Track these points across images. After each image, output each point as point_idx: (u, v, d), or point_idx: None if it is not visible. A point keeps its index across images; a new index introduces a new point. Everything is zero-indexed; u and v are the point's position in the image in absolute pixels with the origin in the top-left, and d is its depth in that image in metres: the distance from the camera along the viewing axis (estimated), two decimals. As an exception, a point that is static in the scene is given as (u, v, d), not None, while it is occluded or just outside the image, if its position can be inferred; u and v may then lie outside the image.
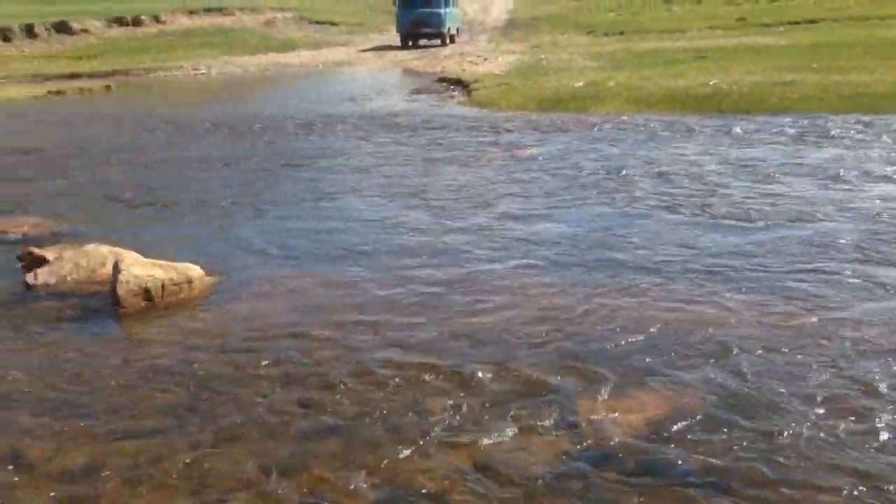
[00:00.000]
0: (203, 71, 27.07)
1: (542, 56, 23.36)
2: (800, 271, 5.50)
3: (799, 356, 4.20)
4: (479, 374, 4.16)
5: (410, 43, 31.02)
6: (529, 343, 4.52)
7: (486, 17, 36.97)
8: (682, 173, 8.55)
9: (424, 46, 30.63)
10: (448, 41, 30.94)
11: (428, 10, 30.64)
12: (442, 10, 30.94)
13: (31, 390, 4.21)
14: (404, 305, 5.19)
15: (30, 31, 36.08)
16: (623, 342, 4.48)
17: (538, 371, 4.18)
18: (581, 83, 15.89)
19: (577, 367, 4.19)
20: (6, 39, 35.80)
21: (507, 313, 4.97)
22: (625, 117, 12.50)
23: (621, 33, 30.01)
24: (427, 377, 4.15)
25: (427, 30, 31.03)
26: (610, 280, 5.47)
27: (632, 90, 14.59)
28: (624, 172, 8.72)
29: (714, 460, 3.30)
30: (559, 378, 4.09)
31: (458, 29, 33.44)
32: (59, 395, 4.15)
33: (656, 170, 8.78)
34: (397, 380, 4.15)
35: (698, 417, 3.65)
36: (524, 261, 5.95)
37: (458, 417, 3.76)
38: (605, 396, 3.89)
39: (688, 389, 3.92)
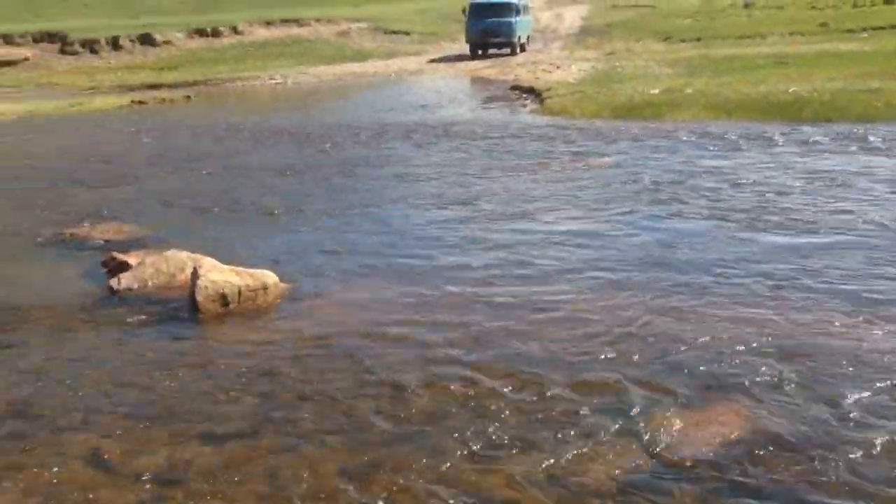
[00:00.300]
0: (279, 80, 27.59)
1: (617, 63, 23.10)
2: (870, 281, 5.31)
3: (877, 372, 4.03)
4: (549, 387, 4.11)
5: (480, 52, 30.36)
6: (598, 357, 4.45)
7: (559, 25, 36.75)
8: (760, 184, 8.30)
9: (496, 55, 30.25)
10: (518, 50, 30.10)
11: (498, 19, 29.69)
12: (512, 19, 29.93)
13: (112, 392, 4.32)
14: (474, 315, 5.17)
15: (115, 44, 37.37)
16: (695, 356, 4.36)
17: (608, 384, 4.11)
18: (657, 90, 15.65)
19: (647, 381, 4.11)
20: (94, 51, 37.17)
21: (576, 326, 4.90)
22: (702, 125, 12.24)
23: (698, 39, 29.47)
24: (497, 388, 4.13)
25: (497, 39, 30.06)
26: (679, 293, 5.34)
27: (709, 97, 14.30)
28: (699, 182, 8.53)
29: (792, 482, 3.19)
30: (630, 392, 4.01)
31: (528, 37, 32.41)
32: (139, 397, 4.25)
33: (732, 180, 8.54)
34: (468, 389, 4.13)
35: (774, 436, 3.53)
36: (593, 272, 5.86)
37: (527, 429, 3.72)
38: (678, 411, 3.80)
39: (762, 406, 3.80)
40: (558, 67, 23.61)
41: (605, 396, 3.99)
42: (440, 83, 23.79)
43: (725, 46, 25.96)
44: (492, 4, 30.07)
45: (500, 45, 29.98)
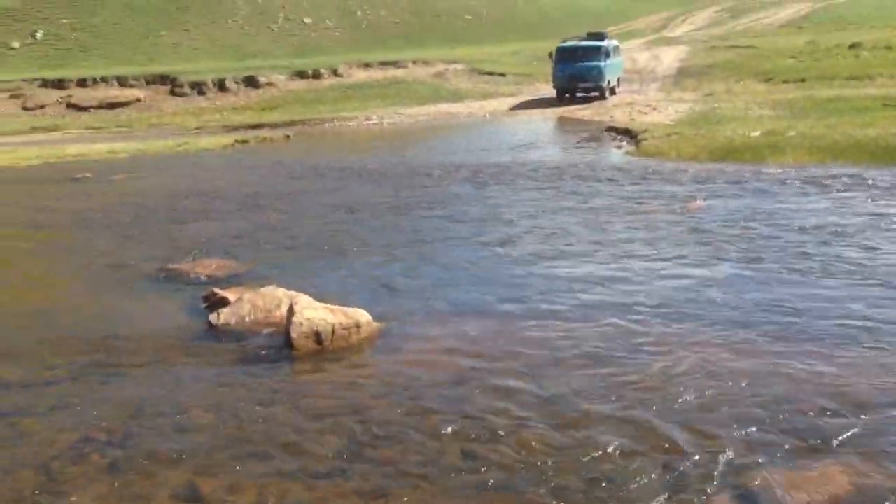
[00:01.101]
0: (374, 121, 28.15)
1: (716, 104, 22.66)
2: None
3: None
4: (646, 434, 3.97)
5: (568, 97, 28.95)
6: (696, 405, 4.28)
7: (656, 66, 36.34)
8: (865, 233, 7.89)
9: (587, 98, 29.52)
10: (608, 94, 28.70)
11: (587, 63, 28.23)
12: (602, 63, 28.39)
13: (208, 426, 4.39)
14: (568, 358, 5.07)
15: (222, 85, 38.92)
16: (795, 409, 4.16)
17: (707, 434, 3.95)
18: (758, 132, 15.25)
19: (749, 433, 3.93)
20: (201, 93, 38.79)
21: (671, 371, 4.74)
22: (806, 169, 11.81)
23: (802, 80, 28.66)
24: (591, 434, 4.01)
25: (585, 84, 28.56)
26: (778, 344, 5.12)
27: (814, 139, 13.82)
28: (801, 229, 8.16)
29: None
30: (730, 443, 3.84)
31: (619, 79, 31.16)
32: (234, 432, 4.30)
33: (836, 228, 8.13)
34: (560, 435, 4.03)
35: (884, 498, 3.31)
36: (688, 319, 5.68)
37: (623, 479, 3.59)
38: (782, 467, 3.61)
39: (872, 465, 3.57)
40: (655, 109, 23.33)
41: (705, 449, 3.82)
42: (534, 124, 23.82)
43: (831, 88, 25.16)
44: (579, 48, 29.04)
45: (588, 91, 28.72)
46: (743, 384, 4.53)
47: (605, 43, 29.18)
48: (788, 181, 10.89)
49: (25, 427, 4.51)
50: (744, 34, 45.78)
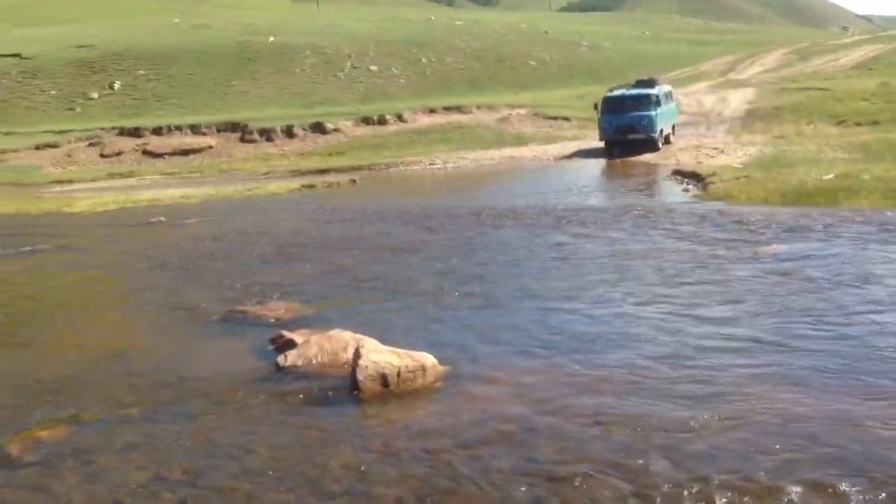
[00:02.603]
0: (438, 165, 28.41)
1: (786, 147, 22.25)
2: None
3: None
4: (716, 487, 3.85)
5: (616, 153, 25.62)
6: (773, 456, 4.15)
7: (724, 108, 35.94)
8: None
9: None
10: (661, 145, 25.89)
11: (637, 113, 25.59)
12: (653, 112, 25.64)
13: (276, 467, 4.43)
14: (632, 404, 4.97)
15: (289, 132, 39.85)
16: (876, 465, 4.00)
17: (784, 487, 3.82)
18: (830, 175, 14.90)
19: (829, 485, 3.79)
20: (269, 139, 39.77)
21: (750, 423, 4.60)
22: (881, 214, 11.46)
23: (875, 122, 28.00)
24: (661, 485, 3.91)
25: (635, 136, 25.52)
26: (858, 398, 4.94)
27: (890, 183, 13.43)
28: (877, 278, 7.90)
29: None
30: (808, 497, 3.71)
31: (674, 126, 28.45)
32: (301, 473, 4.33)
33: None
34: (628, 484, 3.94)
35: None
36: (766, 369, 5.53)
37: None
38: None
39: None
40: (723, 152, 23.02)
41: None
42: (599, 167, 23.73)
43: (905, 129, 24.52)
44: (627, 97, 26.48)
45: (639, 143, 25.59)
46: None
47: (655, 91, 26.78)
48: (863, 226, 10.58)
49: (101, 464, 4.61)
50: (813, 76, 45.05)
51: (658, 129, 25.82)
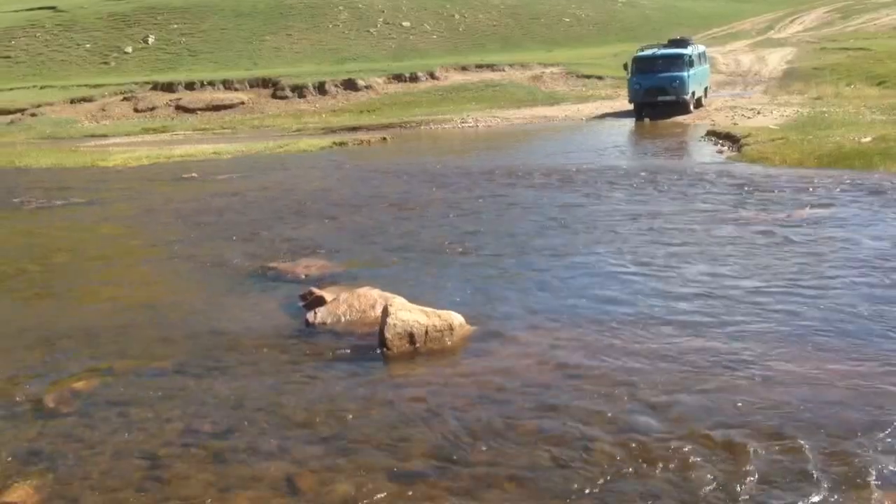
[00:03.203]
0: (470, 123, 28.26)
1: (824, 109, 21.82)
2: None
3: None
4: (749, 449, 3.86)
5: (645, 116, 24.78)
6: (798, 418, 4.14)
7: (761, 68, 35.23)
8: None
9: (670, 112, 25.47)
10: (692, 108, 24.99)
11: (668, 74, 24.64)
12: (685, 73, 24.66)
13: (305, 422, 4.51)
14: (662, 368, 4.97)
15: (321, 88, 39.80)
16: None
17: (813, 450, 3.81)
18: (868, 138, 14.59)
19: (856, 454, 3.78)
20: (301, 96, 39.75)
21: (770, 388, 4.59)
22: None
23: (917, 83, 27.37)
24: (690, 448, 3.93)
25: (666, 98, 24.64)
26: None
27: (930, 146, 13.15)
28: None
29: None
30: (837, 461, 3.70)
31: (706, 89, 27.68)
32: (329, 429, 4.41)
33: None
34: (656, 446, 3.96)
35: None
36: (787, 337, 5.48)
37: (721, 494, 3.50)
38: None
39: None
40: (759, 113, 22.64)
41: (807, 466, 3.70)
42: (632, 128, 23.45)
43: (949, 91, 23.89)
44: (659, 57, 25.45)
45: (670, 105, 24.76)
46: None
47: (687, 50, 25.64)
48: (901, 189, 10.40)
49: (134, 416, 4.73)
50: (854, 36, 43.93)
51: (690, 91, 24.86)
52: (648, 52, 26.26)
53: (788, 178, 11.84)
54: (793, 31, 51.07)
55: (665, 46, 26.55)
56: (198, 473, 3.98)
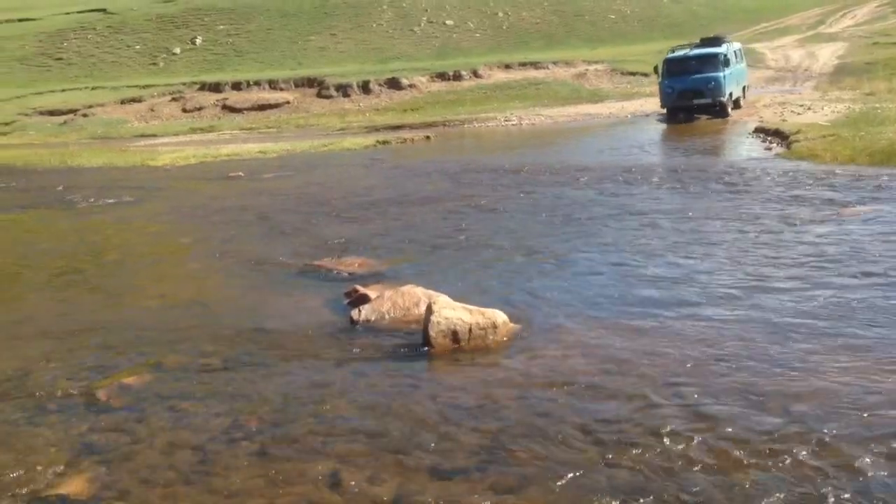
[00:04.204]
0: (514, 121, 28.22)
1: (877, 104, 21.33)
2: None
3: None
4: (790, 452, 3.79)
5: (682, 117, 23.44)
6: (845, 424, 4.06)
7: (812, 64, 34.60)
8: None
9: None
10: (730, 110, 23.47)
11: (702, 75, 22.98)
12: (721, 73, 22.98)
13: (350, 418, 4.54)
14: (708, 369, 4.90)
15: (366, 87, 40.09)
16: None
17: (852, 455, 3.74)
18: (923, 134, 14.23)
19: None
20: (346, 95, 40.08)
21: (816, 394, 4.49)
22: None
23: (974, 78, 26.65)
24: (735, 451, 3.87)
25: (702, 101, 23.02)
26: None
27: None
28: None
29: None
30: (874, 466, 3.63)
31: (745, 88, 26.01)
32: (374, 426, 4.43)
33: None
34: (700, 446, 3.92)
35: None
36: (836, 339, 5.36)
37: (762, 497, 3.45)
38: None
39: None
40: (809, 108, 22.22)
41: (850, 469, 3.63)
42: (678, 124, 23.15)
43: None
44: (692, 58, 23.80)
45: (706, 108, 23.29)
46: None
47: (722, 49, 23.93)
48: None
49: (183, 410, 4.81)
50: (909, 29, 42.88)
51: (727, 92, 23.24)
52: (680, 52, 24.74)
53: (838, 176, 11.59)
54: (844, 26, 50.04)
55: (697, 46, 24.95)
56: (245, 468, 4.04)
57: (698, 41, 25.54)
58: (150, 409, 4.87)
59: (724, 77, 23.12)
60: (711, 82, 22.98)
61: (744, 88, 25.94)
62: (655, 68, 24.94)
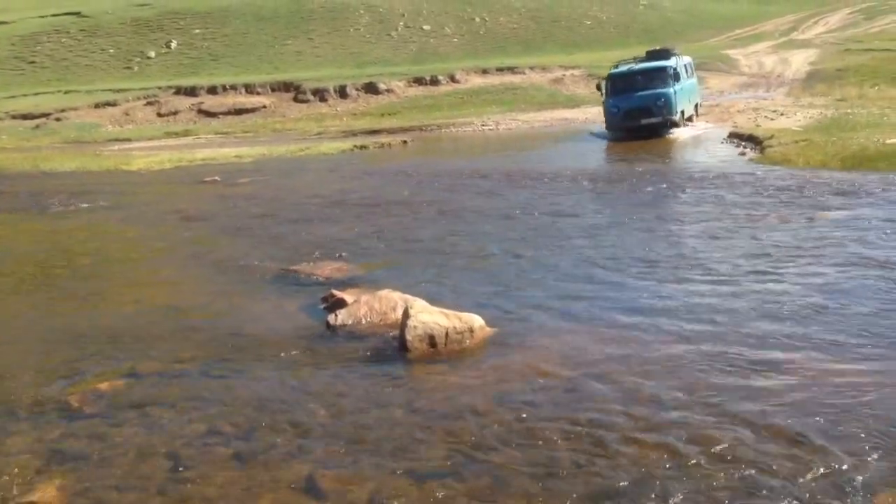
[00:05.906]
0: (491, 126, 28.29)
1: (849, 110, 21.61)
2: None
3: None
4: (767, 452, 3.83)
5: (626, 136, 20.71)
6: (826, 424, 4.11)
7: (785, 69, 35.00)
8: None
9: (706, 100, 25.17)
10: (681, 126, 21.35)
11: (650, 91, 20.72)
12: (671, 89, 20.81)
13: (326, 423, 4.53)
14: (684, 371, 4.94)
15: (343, 92, 40.02)
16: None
17: (834, 454, 3.78)
18: (893, 140, 14.44)
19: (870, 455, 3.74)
20: (323, 99, 39.98)
21: (799, 392, 4.55)
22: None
23: (943, 85, 27.08)
24: (713, 449, 3.90)
25: (650, 120, 20.66)
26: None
27: (955, 148, 12.98)
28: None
29: None
30: (858, 464, 3.67)
31: (698, 105, 23.93)
32: (350, 430, 4.42)
33: None
34: (680, 445, 3.94)
35: None
36: (813, 340, 5.42)
37: (739, 495, 3.48)
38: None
39: None
40: (782, 114, 22.48)
41: (831, 467, 3.67)
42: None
43: (976, 92, 23.61)
44: (638, 73, 21.57)
45: (654, 127, 20.81)
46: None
47: (671, 62, 21.74)
48: (927, 191, 10.26)
49: (157, 416, 4.77)
50: (879, 37, 43.53)
51: (678, 109, 21.09)
52: (624, 67, 22.41)
53: (811, 180, 11.72)
54: (816, 33, 50.71)
55: (644, 60, 22.54)
56: (220, 474, 4.01)
57: (644, 54, 23.22)
58: (124, 415, 4.83)
59: (675, 93, 21.07)
60: (661, 99, 20.77)
61: (696, 106, 23.91)
62: (598, 86, 22.80)
